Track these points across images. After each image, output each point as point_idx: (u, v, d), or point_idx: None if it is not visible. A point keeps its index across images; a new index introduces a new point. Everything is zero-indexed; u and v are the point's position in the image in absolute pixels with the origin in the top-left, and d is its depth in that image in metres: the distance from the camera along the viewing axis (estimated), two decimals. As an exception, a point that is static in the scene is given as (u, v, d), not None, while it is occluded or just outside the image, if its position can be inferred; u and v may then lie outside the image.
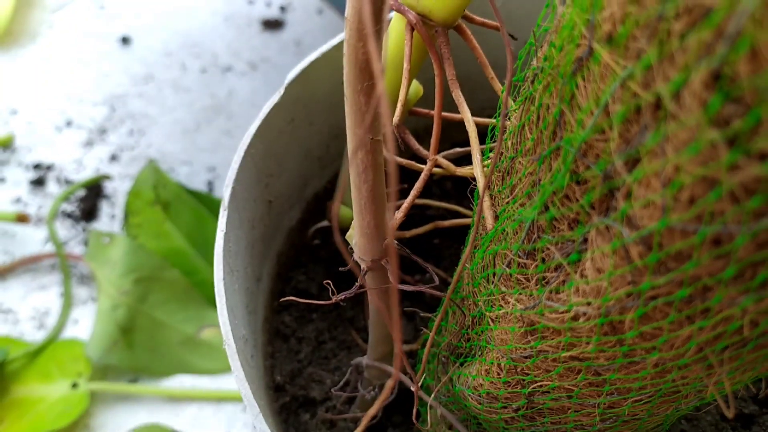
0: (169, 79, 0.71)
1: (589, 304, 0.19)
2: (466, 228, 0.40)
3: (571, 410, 0.24)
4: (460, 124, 0.33)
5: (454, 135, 0.41)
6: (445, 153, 0.34)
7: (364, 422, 0.23)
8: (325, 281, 0.27)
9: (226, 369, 0.57)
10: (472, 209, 0.39)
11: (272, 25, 0.74)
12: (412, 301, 0.40)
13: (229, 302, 0.28)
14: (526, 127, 0.21)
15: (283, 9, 0.75)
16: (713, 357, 0.18)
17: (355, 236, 0.27)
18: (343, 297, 0.27)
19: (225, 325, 0.27)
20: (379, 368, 0.33)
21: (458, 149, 0.35)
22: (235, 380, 0.26)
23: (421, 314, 0.33)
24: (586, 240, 0.19)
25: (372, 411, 0.22)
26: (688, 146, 0.13)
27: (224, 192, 0.30)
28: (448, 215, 0.42)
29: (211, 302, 0.59)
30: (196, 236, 0.61)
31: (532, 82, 0.21)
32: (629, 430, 0.26)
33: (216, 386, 0.56)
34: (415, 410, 0.29)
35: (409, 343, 0.40)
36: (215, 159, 0.67)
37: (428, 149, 0.32)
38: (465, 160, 0.36)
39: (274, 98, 0.33)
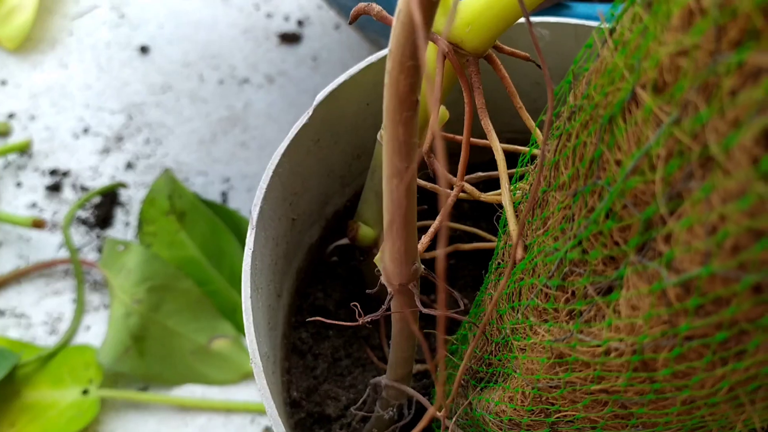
0: (186, 89, 0.72)
1: (621, 340, 0.19)
2: (483, 250, 0.41)
3: (594, 440, 0.24)
4: (479, 147, 0.34)
5: (472, 156, 0.42)
6: (469, 177, 0.34)
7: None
8: (352, 303, 0.28)
9: (236, 380, 0.57)
10: (494, 233, 0.39)
11: (290, 39, 0.75)
12: (427, 321, 0.40)
13: (255, 320, 0.29)
14: (561, 163, 0.22)
15: (300, 23, 0.76)
16: (744, 397, 0.18)
17: (383, 260, 0.27)
18: (369, 319, 0.28)
19: (252, 343, 0.27)
20: (397, 389, 0.33)
21: (481, 174, 0.35)
22: (262, 399, 0.26)
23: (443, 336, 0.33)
24: (620, 275, 0.19)
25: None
26: (737, 199, 0.13)
27: (252, 211, 0.31)
28: (465, 237, 0.43)
29: (223, 312, 0.59)
30: (210, 246, 0.61)
31: (569, 119, 0.22)
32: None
33: (225, 397, 0.57)
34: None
35: (424, 363, 0.40)
36: (230, 170, 0.67)
37: (450, 172, 0.33)
38: (485, 183, 0.37)
39: (303, 119, 0.33)
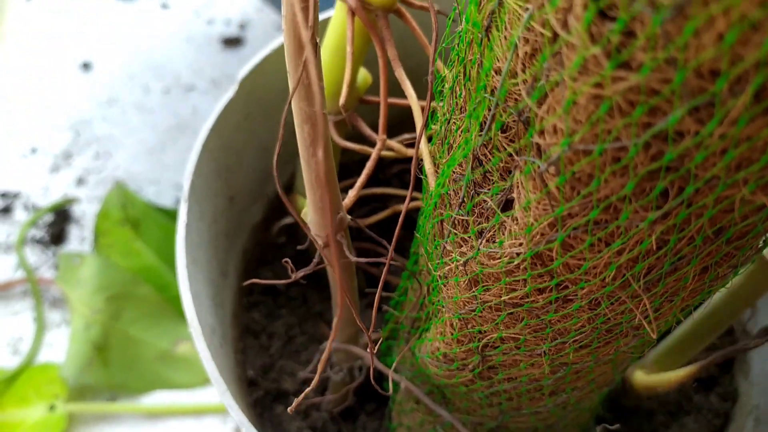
0: (132, 101, 0.72)
1: (521, 244, 0.20)
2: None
3: (522, 363, 0.25)
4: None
5: (411, 126, 0.43)
6: (398, 139, 0.35)
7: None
8: (283, 260, 0.28)
9: (204, 382, 0.57)
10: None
11: (232, 42, 0.76)
12: (376, 286, 0.41)
13: (193, 288, 0.29)
14: (456, 87, 0.23)
15: (242, 27, 0.77)
16: (635, 282, 0.19)
17: (309, 212, 0.28)
18: (303, 274, 0.28)
19: (189, 307, 0.28)
20: (345, 350, 0.34)
21: (407, 135, 0.36)
22: (203, 360, 0.27)
23: (383, 295, 0.34)
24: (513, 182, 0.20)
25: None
26: (584, 74, 0.14)
27: (184, 185, 0.31)
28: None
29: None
30: (166, 251, 0.61)
31: (458, 43, 0.23)
32: (582, 383, 0.27)
33: (195, 400, 0.56)
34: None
35: (375, 331, 0.41)
36: (182, 176, 0.68)
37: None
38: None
39: (229, 94, 0.34)
